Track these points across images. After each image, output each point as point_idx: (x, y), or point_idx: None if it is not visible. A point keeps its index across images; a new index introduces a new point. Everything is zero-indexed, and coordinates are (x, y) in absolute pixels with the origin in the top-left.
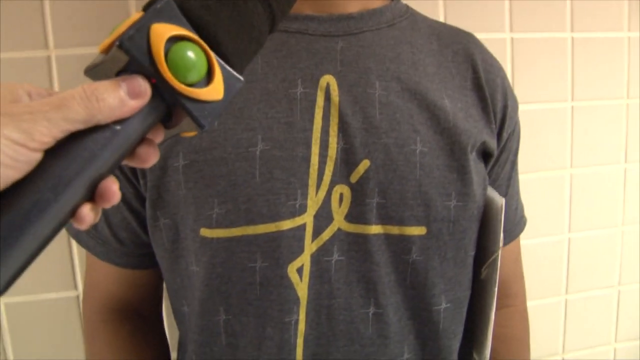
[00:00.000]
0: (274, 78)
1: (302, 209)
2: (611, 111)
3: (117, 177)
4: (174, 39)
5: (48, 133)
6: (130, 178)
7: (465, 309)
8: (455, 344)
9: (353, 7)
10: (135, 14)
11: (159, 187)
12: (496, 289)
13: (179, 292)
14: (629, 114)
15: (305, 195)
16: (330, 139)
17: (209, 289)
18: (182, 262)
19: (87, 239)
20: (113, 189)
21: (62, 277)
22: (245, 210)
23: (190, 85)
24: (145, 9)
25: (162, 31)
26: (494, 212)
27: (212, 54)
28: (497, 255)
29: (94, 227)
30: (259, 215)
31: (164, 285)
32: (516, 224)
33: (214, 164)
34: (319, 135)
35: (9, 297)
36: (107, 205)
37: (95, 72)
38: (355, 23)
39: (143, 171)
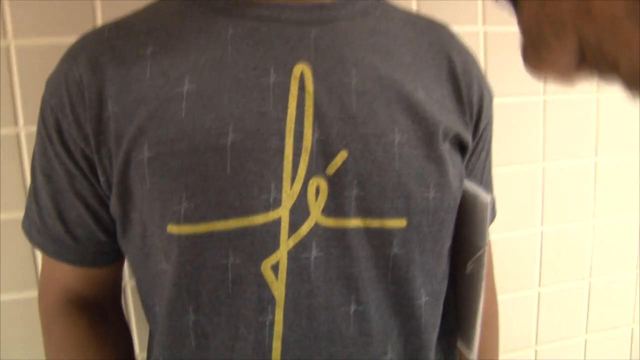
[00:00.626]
0: (245, 66)
1: (277, 203)
2: (583, 105)
3: (72, 174)
4: None
5: None
6: (88, 175)
7: (442, 302)
8: (435, 338)
9: None
10: None
11: (124, 181)
12: (483, 283)
13: (151, 291)
14: (600, 108)
15: (279, 189)
16: (305, 130)
17: (177, 289)
18: (152, 260)
19: (37, 236)
20: None
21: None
22: (216, 204)
23: None
24: None
25: None
26: (479, 208)
27: None
28: (484, 251)
29: (43, 223)
30: (231, 208)
31: (135, 283)
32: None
33: (182, 156)
34: (293, 125)
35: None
36: None
37: None
38: (329, 12)
39: (104, 167)
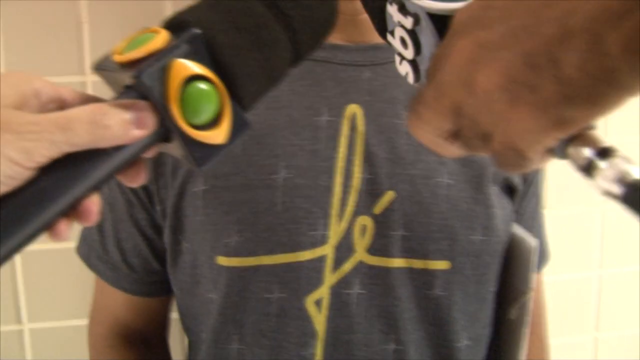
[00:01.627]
0: (299, 106)
1: (324, 240)
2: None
3: (132, 203)
4: (192, 78)
5: (47, 154)
6: (146, 204)
7: (484, 347)
8: None
9: (379, 38)
10: (160, 37)
11: (178, 212)
12: (527, 330)
13: (198, 319)
14: None
15: (326, 226)
16: (355, 169)
17: (223, 318)
18: (201, 288)
19: (97, 262)
20: (93, 209)
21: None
22: (265, 239)
23: (197, 126)
24: (172, 27)
25: (182, 70)
26: (525, 252)
27: (227, 98)
28: (529, 298)
29: (105, 251)
30: (279, 244)
31: (177, 312)
32: (540, 256)
33: (235, 191)
34: (343, 164)
35: (35, 324)
36: (85, 224)
37: (104, 74)
38: (382, 53)
39: (160, 198)
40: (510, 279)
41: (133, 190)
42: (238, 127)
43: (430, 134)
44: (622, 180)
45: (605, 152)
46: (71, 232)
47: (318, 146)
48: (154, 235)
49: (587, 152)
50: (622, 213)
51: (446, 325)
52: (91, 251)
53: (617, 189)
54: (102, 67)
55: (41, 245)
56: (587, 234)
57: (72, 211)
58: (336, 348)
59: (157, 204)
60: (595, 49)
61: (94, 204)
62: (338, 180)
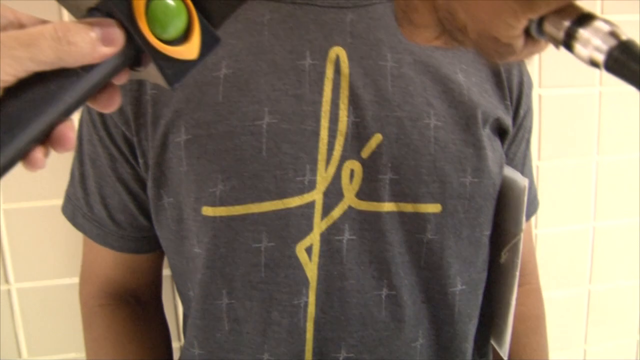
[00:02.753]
0: (281, 50)
1: (311, 186)
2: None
3: (114, 157)
4: None
5: (12, 72)
6: (129, 158)
7: (481, 292)
8: (471, 329)
9: None
10: None
11: (161, 164)
12: (517, 273)
13: (185, 276)
14: None
15: (314, 171)
16: (340, 112)
17: (210, 271)
18: (186, 243)
19: (83, 221)
20: (69, 135)
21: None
22: (251, 186)
23: (166, 41)
24: None
25: None
26: (516, 193)
27: (194, 11)
28: (519, 239)
29: (90, 208)
30: (266, 191)
31: (170, 270)
32: (530, 203)
33: (218, 139)
34: (328, 108)
35: (22, 283)
36: (61, 151)
37: (66, 2)
38: None
39: (142, 150)
40: (501, 222)
41: (115, 144)
42: (208, 42)
43: (426, 35)
44: (605, 42)
45: (583, 19)
46: (55, 189)
47: (302, 90)
48: (138, 189)
49: (564, 22)
50: (617, 165)
51: (439, 270)
52: (76, 210)
53: (600, 54)
54: None
55: (26, 203)
56: (581, 186)
57: (47, 138)
58: (329, 295)
59: (139, 156)
60: None
61: (69, 129)
62: (324, 124)
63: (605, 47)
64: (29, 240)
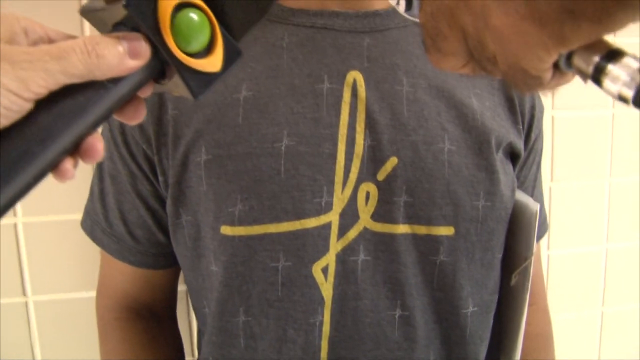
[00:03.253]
0: (299, 73)
1: (328, 207)
2: None
3: (134, 174)
4: (181, 5)
5: (44, 84)
6: (149, 176)
7: (492, 314)
8: (482, 350)
9: (379, 4)
10: None
11: (180, 183)
12: (528, 296)
13: (201, 293)
14: None
15: (331, 193)
16: (357, 136)
17: (228, 289)
18: (203, 261)
19: (102, 236)
20: (98, 146)
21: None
22: (269, 207)
23: (191, 54)
24: None
25: None
26: (527, 217)
27: (217, 25)
28: (530, 262)
29: (109, 224)
30: (284, 212)
31: (185, 286)
32: (540, 226)
33: (238, 159)
34: (345, 131)
35: (39, 296)
36: (90, 162)
37: (92, 16)
38: (381, 20)
39: (163, 168)
40: (512, 245)
41: (136, 161)
42: (231, 55)
43: (453, 62)
44: (634, 79)
45: (613, 54)
46: (73, 203)
47: (320, 113)
48: (157, 206)
49: (594, 57)
50: (629, 187)
51: (452, 291)
52: (95, 225)
53: (628, 90)
54: (89, 9)
55: (44, 217)
56: (594, 208)
57: (76, 149)
58: (343, 315)
59: (159, 174)
60: None
61: (97, 140)
62: (341, 147)
63: (634, 83)
64: (47, 253)
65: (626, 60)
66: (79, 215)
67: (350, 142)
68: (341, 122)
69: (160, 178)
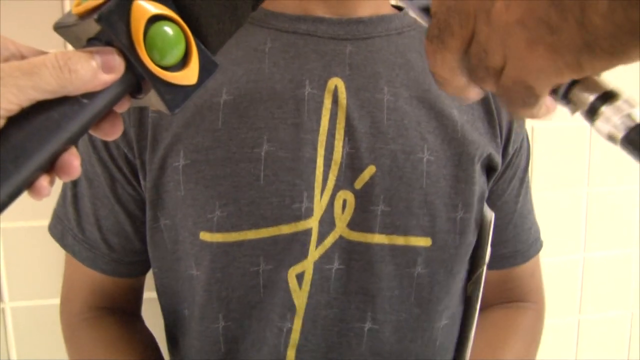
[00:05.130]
0: (281, 78)
1: (308, 213)
2: None
3: (115, 178)
4: (154, 18)
5: (15, 101)
6: (130, 179)
7: (458, 324)
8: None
9: (363, 12)
10: None
11: (158, 187)
12: (478, 306)
13: (179, 296)
14: None
15: (311, 198)
16: (336, 143)
17: (208, 295)
18: (182, 264)
19: (73, 242)
20: (74, 163)
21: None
22: (248, 213)
23: (165, 67)
24: None
25: (144, 10)
26: (484, 226)
27: (192, 37)
28: (482, 271)
29: (81, 230)
30: (262, 218)
31: (155, 291)
32: (530, 244)
33: (217, 165)
34: (325, 137)
35: (15, 302)
36: (66, 179)
37: (65, 31)
38: (365, 28)
39: (145, 172)
40: (473, 255)
41: (117, 165)
42: (207, 67)
43: (448, 59)
44: (625, 123)
45: (607, 96)
46: (53, 206)
47: (301, 119)
48: (137, 211)
49: (589, 96)
50: (607, 196)
51: (429, 305)
52: (66, 231)
53: (618, 132)
54: (63, 25)
55: (22, 222)
56: (572, 217)
57: (52, 166)
58: (314, 322)
59: (142, 178)
60: None
61: (73, 157)
62: (320, 152)
63: (623, 127)
64: (23, 259)
65: (619, 103)
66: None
67: (329, 149)
68: (321, 128)
69: (143, 182)
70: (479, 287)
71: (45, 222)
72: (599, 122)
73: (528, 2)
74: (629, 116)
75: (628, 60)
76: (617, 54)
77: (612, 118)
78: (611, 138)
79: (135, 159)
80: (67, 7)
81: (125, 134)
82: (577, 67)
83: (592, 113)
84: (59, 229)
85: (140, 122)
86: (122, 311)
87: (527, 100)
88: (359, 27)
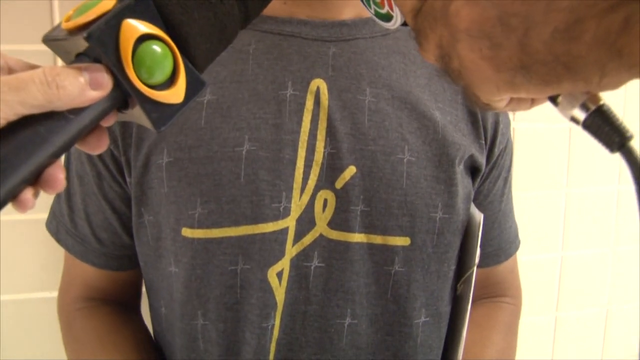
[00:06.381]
0: (264, 79)
1: (286, 212)
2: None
3: (102, 175)
4: (143, 37)
5: (2, 115)
6: (116, 176)
7: (444, 324)
8: (432, 359)
9: (347, 14)
10: (108, 0)
11: (142, 184)
12: (469, 306)
13: (158, 293)
14: None
15: (289, 199)
16: (318, 143)
17: (187, 291)
18: (163, 261)
19: (66, 237)
20: (59, 176)
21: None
22: (229, 210)
23: (153, 86)
24: None
25: (133, 30)
26: (473, 227)
27: (180, 57)
28: (473, 272)
29: (74, 225)
30: (242, 216)
31: (145, 284)
32: (511, 242)
33: (199, 163)
34: (306, 138)
35: (2, 295)
36: (51, 192)
37: (54, 44)
38: (349, 30)
39: (130, 169)
40: (462, 256)
41: (103, 162)
42: (193, 86)
43: (429, 57)
44: (585, 105)
45: None
46: (38, 203)
47: (282, 120)
48: (123, 207)
49: None
50: (585, 197)
51: (405, 302)
52: (60, 226)
53: (580, 114)
54: (52, 38)
55: (8, 216)
56: (551, 217)
57: (37, 179)
58: (293, 319)
59: (127, 175)
60: (570, 30)
61: (59, 170)
62: (301, 153)
63: (583, 111)
64: (10, 252)
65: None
66: (42, 215)
67: (311, 149)
68: (302, 129)
69: (128, 179)
70: (470, 287)
71: (30, 216)
72: (564, 105)
73: (478, 12)
74: (589, 99)
75: (561, 91)
76: (550, 83)
77: (574, 101)
78: (574, 120)
79: (120, 156)
80: (56, 6)
81: (110, 132)
82: (511, 86)
83: (555, 97)
84: (54, 224)
85: (125, 120)
86: (117, 303)
87: (478, 103)
88: (342, 30)
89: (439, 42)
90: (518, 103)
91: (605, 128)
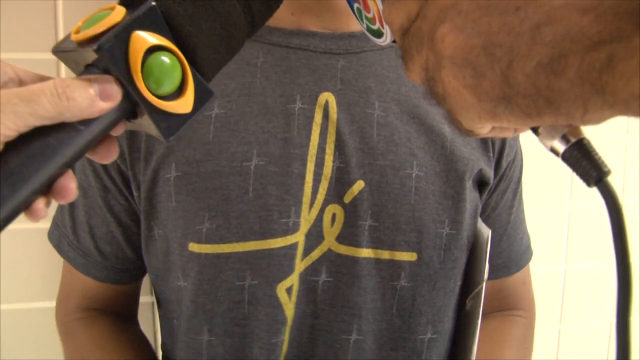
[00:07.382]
0: (272, 93)
1: (295, 227)
2: (611, 145)
3: (107, 188)
4: (152, 49)
5: (14, 127)
6: (122, 190)
7: (448, 340)
8: None
9: (355, 25)
10: (117, 12)
11: (151, 198)
12: (479, 321)
13: (169, 307)
14: (627, 149)
15: (298, 214)
16: (326, 157)
17: (194, 306)
18: (172, 275)
19: (68, 249)
20: (70, 186)
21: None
22: (237, 226)
23: (162, 96)
24: (128, 3)
25: (142, 42)
26: (480, 242)
27: (188, 67)
28: (482, 287)
29: (76, 237)
30: (251, 232)
31: (156, 297)
32: (522, 253)
33: (207, 177)
34: (315, 152)
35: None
36: (63, 201)
37: (64, 55)
38: (357, 42)
39: (137, 183)
40: (468, 270)
41: (109, 175)
42: (202, 96)
43: (415, 78)
44: (565, 138)
45: None
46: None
47: (291, 134)
48: (129, 221)
49: None
50: (589, 209)
51: (410, 318)
52: (62, 237)
53: (560, 146)
54: (62, 49)
55: (10, 225)
56: (554, 229)
57: (48, 189)
58: (300, 333)
59: (134, 189)
60: (554, 65)
61: (70, 180)
62: (310, 168)
63: (563, 144)
64: (9, 262)
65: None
66: (42, 224)
67: (319, 163)
68: (311, 143)
69: (135, 193)
70: (479, 302)
71: (32, 225)
72: (545, 136)
73: (464, 40)
74: (569, 133)
75: (543, 124)
76: (531, 116)
77: (554, 133)
78: (554, 151)
79: (127, 170)
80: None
81: (118, 146)
82: (493, 116)
83: (536, 127)
84: (57, 235)
85: (132, 134)
86: (116, 314)
87: (461, 129)
88: (351, 42)
89: (424, 64)
90: (501, 130)
91: (583, 162)
